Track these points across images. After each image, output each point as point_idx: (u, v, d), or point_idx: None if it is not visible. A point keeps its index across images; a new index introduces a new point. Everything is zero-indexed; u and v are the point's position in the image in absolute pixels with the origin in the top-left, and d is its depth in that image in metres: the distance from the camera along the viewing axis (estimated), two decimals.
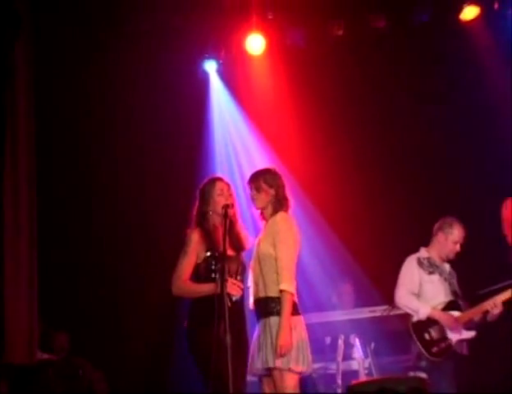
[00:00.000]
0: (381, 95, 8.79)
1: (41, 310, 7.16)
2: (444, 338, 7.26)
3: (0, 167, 6.42)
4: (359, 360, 7.95)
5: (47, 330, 7.76)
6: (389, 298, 7.47)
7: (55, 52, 7.93)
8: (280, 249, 5.89)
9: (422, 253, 7.39)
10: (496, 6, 8.65)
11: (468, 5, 8.65)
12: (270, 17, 8.32)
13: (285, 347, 5.82)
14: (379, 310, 7.83)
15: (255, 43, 8.86)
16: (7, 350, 6.76)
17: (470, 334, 7.31)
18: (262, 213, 6.06)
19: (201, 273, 6.13)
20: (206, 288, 6.04)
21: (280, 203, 6.05)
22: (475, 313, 7.26)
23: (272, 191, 6.01)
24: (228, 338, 5.59)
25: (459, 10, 8.68)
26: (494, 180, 8.24)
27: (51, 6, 7.51)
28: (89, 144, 8.38)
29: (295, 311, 5.90)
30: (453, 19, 8.66)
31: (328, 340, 8.25)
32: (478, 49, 8.78)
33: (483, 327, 7.38)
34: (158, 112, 8.64)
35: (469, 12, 8.68)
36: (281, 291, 5.83)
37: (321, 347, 8.08)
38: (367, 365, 7.94)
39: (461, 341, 7.26)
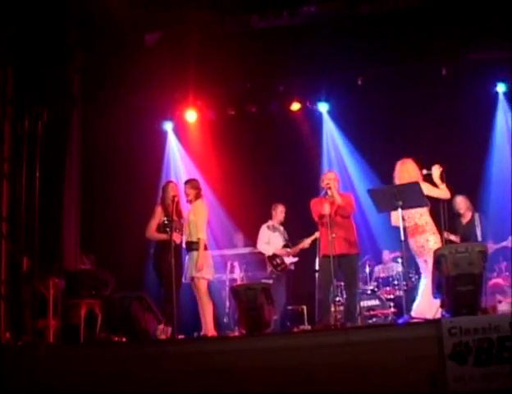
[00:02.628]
0: (256, 154, 12.75)
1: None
2: (282, 262, 11.00)
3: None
4: (239, 275, 11.75)
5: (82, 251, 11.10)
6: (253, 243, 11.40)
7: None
8: (198, 217, 9.41)
9: (269, 222, 11.10)
10: (308, 103, 12.70)
11: (295, 101, 12.61)
12: (199, 102, 12.54)
13: (200, 266, 9.20)
14: (249, 249, 11.59)
15: (190, 116, 12.96)
16: (64, 261, 10.50)
17: (295, 259, 11.05)
18: (189, 200, 9.60)
19: (160, 228, 9.45)
20: (162, 236, 9.32)
21: (199, 195, 9.67)
22: (296, 249, 10.97)
23: (195, 189, 9.63)
24: (172, 261, 8.74)
25: (290, 104, 12.73)
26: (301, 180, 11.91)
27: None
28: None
29: (205, 248, 9.33)
30: (288, 109, 12.75)
31: (224, 263, 11.80)
32: (302, 129, 12.97)
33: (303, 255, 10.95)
34: (136, 154, 12.29)
35: (295, 106, 12.74)
36: (198, 238, 9.29)
37: (220, 266, 11.50)
38: (242, 277, 11.70)
39: (291, 264, 11.04)
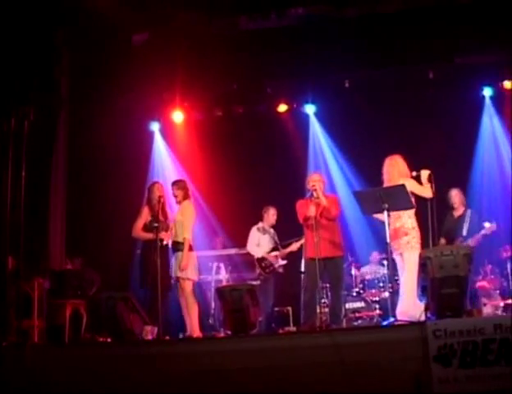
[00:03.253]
0: (240, 155, 12.79)
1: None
2: (271, 265, 11.04)
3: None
4: (224, 276, 11.75)
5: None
6: (242, 244, 11.45)
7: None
8: (185, 218, 9.42)
9: (259, 225, 11.12)
10: (294, 105, 12.81)
11: (282, 103, 12.72)
12: (186, 103, 12.59)
13: (184, 267, 9.26)
14: (235, 251, 11.82)
15: (177, 117, 13.10)
16: (50, 261, 10.52)
17: (283, 262, 11.10)
18: (177, 200, 9.61)
19: (147, 228, 9.47)
20: (149, 235, 9.31)
21: (186, 196, 9.67)
22: (284, 253, 11.10)
23: (183, 190, 9.64)
24: (158, 261, 8.78)
25: (277, 106, 12.94)
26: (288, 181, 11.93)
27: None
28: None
29: (191, 248, 9.33)
30: (275, 111, 12.96)
31: (209, 264, 11.82)
32: (288, 130, 13.07)
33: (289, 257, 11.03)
34: (123, 154, 12.28)
35: (282, 108, 12.88)
36: (184, 239, 9.29)
37: (206, 267, 11.62)
38: (227, 278, 11.73)
39: (279, 266, 11.07)
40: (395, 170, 9.05)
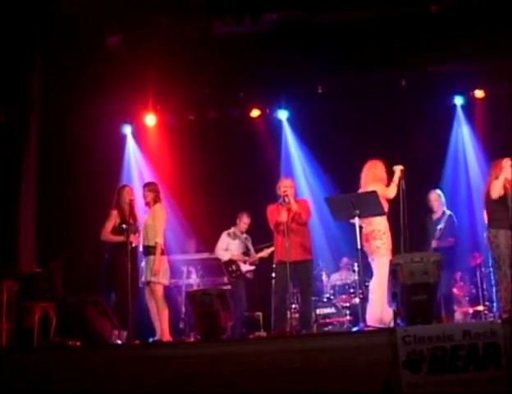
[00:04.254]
0: (212, 159, 12.72)
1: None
2: (238, 269, 10.98)
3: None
4: (195, 280, 11.81)
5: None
6: (213, 248, 11.33)
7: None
8: (156, 222, 9.31)
9: (231, 230, 11.08)
10: (267, 110, 12.87)
11: (255, 108, 12.76)
12: (159, 107, 12.61)
13: (156, 271, 9.17)
14: (207, 255, 11.73)
15: (149, 120, 13.08)
16: (19, 264, 10.39)
17: (251, 267, 11.07)
18: (148, 203, 9.51)
19: (116, 231, 9.37)
20: (118, 238, 9.26)
21: (157, 199, 9.57)
22: (255, 258, 11.06)
23: (154, 192, 9.54)
24: (129, 264, 8.77)
25: (250, 111, 12.92)
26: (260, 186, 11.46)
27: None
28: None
29: (163, 252, 9.25)
30: (248, 116, 12.95)
31: (181, 268, 11.75)
32: (261, 135, 13.08)
33: (258, 266, 11.07)
34: (95, 156, 12.17)
35: (255, 113, 12.98)
36: (155, 243, 9.23)
37: (177, 271, 11.42)
38: (198, 282, 11.75)
39: (247, 271, 11.04)
40: (371, 174, 9.12)
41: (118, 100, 12.14)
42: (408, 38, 11.22)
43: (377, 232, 9.04)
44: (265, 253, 11.01)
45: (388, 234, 9.10)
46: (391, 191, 8.95)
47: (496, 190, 8.62)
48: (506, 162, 8.77)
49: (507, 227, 8.53)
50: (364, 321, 8.62)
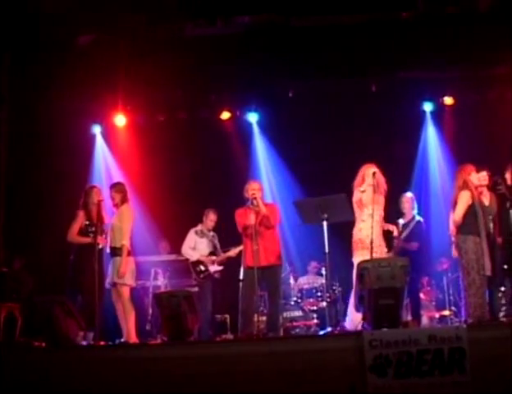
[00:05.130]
0: (182, 160, 12.74)
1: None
2: (206, 270, 10.87)
3: None
4: (162, 282, 11.71)
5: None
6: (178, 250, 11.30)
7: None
8: (123, 223, 9.30)
9: (198, 227, 10.98)
10: (237, 113, 12.92)
11: (225, 110, 12.84)
12: (129, 107, 12.60)
13: (123, 273, 9.17)
14: (173, 256, 11.65)
15: (119, 120, 13.01)
16: None
17: (219, 268, 10.95)
18: (116, 204, 9.47)
19: (83, 232, 9.34)
20: (84, 240, 9.27)
21: (125, 200, 9.56)
22: (223, 258, 10.95)
23: (121, 193, 9.51)
24: (96, 265, 8.82)
25: (221, 113, 12.98)
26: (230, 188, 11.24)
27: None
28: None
29: (129, 254, 9.27)
30: (218, 118, 13.01)
31: (148, 270, 11.70)
32: (231, 137, 13.16)
33: (227, 264, 10.99)
34: (64, 156, 12.14)
35: (225, 115, 12.92)
36: (122, 244, 9.22)
37: (144, 273, 11.42)
38: (165, 284, 11.64)
39: (215, 272, 10.93)
40: (360, 178, 9.12)
41: (88, 100, 12.08)
42: (379, 44, 11.29)
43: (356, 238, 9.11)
44: (232, 252, 10.94)
45: (361, 238, 9.10)
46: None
47: (460, 213, 8.72)
48: (470, 168, 8.88)
49: (475, 233, 8.60)
50: (332, 325, 8.61)
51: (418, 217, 10.65)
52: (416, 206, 10.74)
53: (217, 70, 11.64)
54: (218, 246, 11.22)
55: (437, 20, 11.05)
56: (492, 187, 8.96)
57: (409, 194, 10.74)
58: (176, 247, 11.71)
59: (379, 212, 9.14)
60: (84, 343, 8.57)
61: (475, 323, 8.13)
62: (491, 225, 8.71)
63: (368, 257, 8.53)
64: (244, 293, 9.42)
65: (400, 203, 10.58)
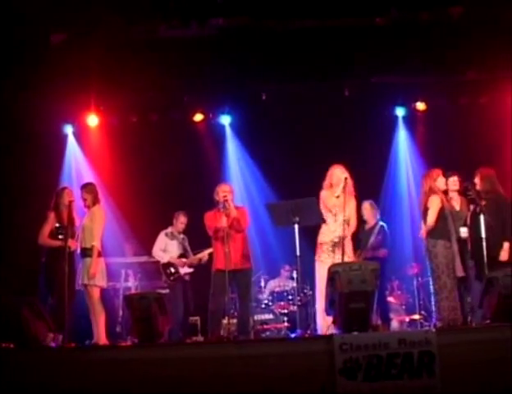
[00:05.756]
0: (154, 162, 12.66)
1: None
2: (176, 272, 10.85)
3: None
4: (133, 283, 11.58)
5: None
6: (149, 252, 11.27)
7: None
8: (94, 224, 9.32)
9: (168, 229, 10.97)
10: (210, 115, 12.92)
11: (198, 112, 12.82)
12: (101, 107, 12.55)
13: (93, 274, 9.20)
14: (144, 258, 11.61)
15: (92, 120, 12.89)
16: None
17: (190, 270, 10.93)
18: (87, 205, 9.46)
19: (53, 234, 9.32)
20: (55, 243, 9.25)
21: (96, 200, 9.57)
22: (194, 260, 10.93)
23: (92, 194, 9.51)
24: (67, 267, 8.75)
25: (193, 115, 12.92)
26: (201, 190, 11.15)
27: None
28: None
29: (99, 255, 9.29)
30: (191, 120, 12.94)
31: (119, 271, 11.66)
32: (204, 139, 13.17)
33: (197, 267, 10.97)
34: (35, 156, 11.93)
35: (198, 117, 12.94)
36: (92, 245, 9.26)
37: (114, 274, 11.38)
38: (136, 286, 11.54)
39: (186, 274, 10.90)
40: (328, 179, 9.20)
41: (60, 99, 11.93)
42: (352, 48, 11.34)
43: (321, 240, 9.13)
44: (203, 254, 10.92)
45: (325, 242, 9.17)
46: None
47: (432, 218, 8.81)
48: (437, 173, 9.00)
49: (445, 237, 8.72)
50: (302, 327, 8.64)
51: (381, 223, 10.71)
52: (378, 212, 10.84)
53: (190, 71, 11.60)
54: (188, 248, 11.17)
55: (410, 26, 11.18)
56: (463, 192, 9.07)
57: (367, 203, 10.78)
58: (146, 249, 11.68)
59: (348, 214, 9.15)
60: (54, 345, 8.46)
61: (447, 327, 8.23)
62: (464, 229, 8.81)
63: (330, 259, 8.64)
64: (214, 294, 9.39)
65: (361, 210, 10.61)
